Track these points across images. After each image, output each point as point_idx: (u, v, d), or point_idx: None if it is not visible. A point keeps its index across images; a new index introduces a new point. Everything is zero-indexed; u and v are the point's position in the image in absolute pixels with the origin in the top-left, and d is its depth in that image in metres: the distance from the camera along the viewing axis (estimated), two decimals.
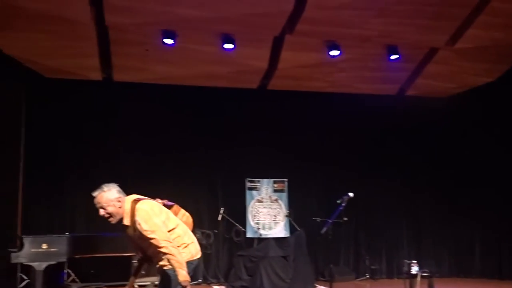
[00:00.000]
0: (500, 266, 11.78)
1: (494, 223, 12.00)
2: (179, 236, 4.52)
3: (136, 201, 4.42)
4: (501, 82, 11.61)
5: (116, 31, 9.48)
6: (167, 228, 4.43)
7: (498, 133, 11.89)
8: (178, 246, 4.42)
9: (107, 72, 10.91)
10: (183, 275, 4.28)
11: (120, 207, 4.38)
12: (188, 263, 4.44)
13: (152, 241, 4.31)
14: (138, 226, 4.33)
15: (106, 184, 4.42)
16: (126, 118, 11.48)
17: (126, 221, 4.39)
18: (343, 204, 6.06)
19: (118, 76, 10.98)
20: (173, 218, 4.62)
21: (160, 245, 4.28)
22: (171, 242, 4.33)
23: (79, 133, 11.34)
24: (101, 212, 4.35)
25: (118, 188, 4.43)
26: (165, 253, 4.31)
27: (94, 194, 4.36)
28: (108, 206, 4.34)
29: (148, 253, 4.58)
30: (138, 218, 4.33)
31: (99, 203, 4.34)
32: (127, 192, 11.16)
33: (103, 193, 4.35)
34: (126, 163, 11.47)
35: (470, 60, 10.92)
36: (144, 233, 4.31)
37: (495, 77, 11.65)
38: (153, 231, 4.29)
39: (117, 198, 4.38)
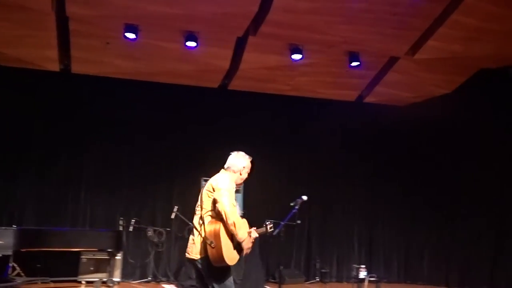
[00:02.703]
0: (447, 274, 12.02)
1: (444, 232, 12.24)
2: None
3: None
4: (457, 93, 11.88)
5: (76, 22, 9.30)
6: None
7: (451, 143, 12.13)
8: None
9: (65, 63, 10.71)
10: None
11: None
12: None
13: None
14: None
15: None
16: (83, 111, 11.29)
17: None
18: (297, 207, 6.07)
19: (77, 68, 10.79)
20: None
21: None
22: None
23: (32, 125, 11.09)
24: None
25: None
26: None
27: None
28: None
29: None
30: None
31: None
32: (81, 185, 10.99)
33: None
34: (81, 157, 11.30)
35: (429, 70, 11.14)
36: None
37: (451, 88, 11.92)
38: None
39: None
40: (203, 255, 4.66)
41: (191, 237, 4.84)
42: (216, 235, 4.61)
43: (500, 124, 11.17)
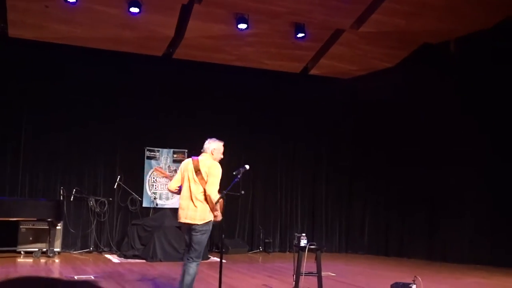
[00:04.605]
0: (387, 244, 12.38)
1: (383, 205, 12.57)
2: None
3: None
4: (400, 67, 12.09)
5: None
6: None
7: (393, 117, 12.36)
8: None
9: (2, 26, 10.28)
10: None
11: None
12: None
13: None
14: None
15: None
16: (20, 76, 10.92)
17: None
18: (239, 176, 6.06)
19: (14, 31, 10.35)
20: (188, 178, 5.74)
21: None
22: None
23: None
24: None
25: None
26: None
27: None
28: None
29: None
30: None
31: None
32: (20, 154, 10.51)
33: None
34: (19, 124, 10.95)
35: (372, 44, 11.29)
36: None
37: (394, 62, 12.12)
38: None
39: None
40: (206, 221, 5.64)
41: (191, 205, 5.66)
42: (221, 208, 5.80)
43: (441, 98, 11.43)
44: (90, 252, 10.98)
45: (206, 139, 5.94)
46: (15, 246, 9.99)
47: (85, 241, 11.18)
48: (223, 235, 6.79)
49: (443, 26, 10.47)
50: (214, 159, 5.83)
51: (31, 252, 9.97)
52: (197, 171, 5.71)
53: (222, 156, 5.97)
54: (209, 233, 5.77)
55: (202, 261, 10.03)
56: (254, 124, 12.61)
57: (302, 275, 6.72)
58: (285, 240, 12.81)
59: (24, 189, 10.90)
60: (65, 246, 10.84)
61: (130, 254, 10.27)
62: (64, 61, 11.13)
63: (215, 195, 5.67)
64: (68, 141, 11.23)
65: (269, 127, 12.75)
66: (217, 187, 5.74)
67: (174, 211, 11.15)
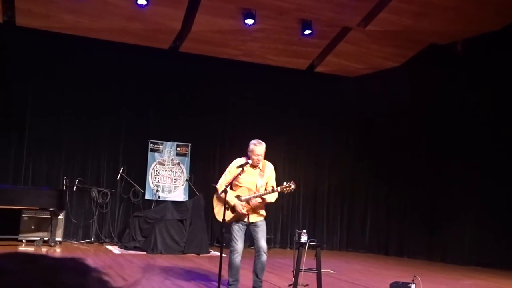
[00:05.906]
0: (387, 243, 12.38)
1: (385, 204, 12.55)
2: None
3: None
4: (406, 67, 12.05)
5: None
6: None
7: (397, 116, 12.33)
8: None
9: (9, 15, 10.30)
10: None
11: None
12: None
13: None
14: (271, 173, 6.35)
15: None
16: (26, 65, 10.93)
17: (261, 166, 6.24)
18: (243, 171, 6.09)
19: (21, 20, 10.38)
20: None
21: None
22: None
23: None
24: (261, 158, 6.15)
25: None
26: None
27: (263, 145, 6.17)
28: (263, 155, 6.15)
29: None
30: (270, 166, 6.39)
31: (263, 152, 6.16)
32: (24, 142, 10.54)
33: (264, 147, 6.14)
34: (24, 113, 10.97)
35: (379, 43, 11.25)
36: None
37: (400, 62, 12.08)
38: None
39: None
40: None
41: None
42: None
43: (446, 99, 11.40)
44: (91, 242, 11.03)
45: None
46: (17, 234, 10.02)
47: (87, 232, 11.23)
48: (224, 230, 6.82)
49: (451, 26, 10.42)
50: (250, 159, 6.15)
51: (32, 241, 10.01)
52: None
53: (256, 157, 6.14)
54: (231, 229, 6.51)
55: (203, 255, 10.15)
56: (258, 119, 12.58)
57: (301, 271, 6.73)
58: (286, 236, 12.81)
59: (27, 177, 10.94)
60: (67, 235, 10.88)
61: (131, 246, 10.31)
62: (70, 51, 11.15)
63: (218, 185, 6.30)
64: (72, 131, 11.26)
65: (272, 123, 12.71)
66: (222, 179, 6.32)
67: (176, 204, 11.25)
